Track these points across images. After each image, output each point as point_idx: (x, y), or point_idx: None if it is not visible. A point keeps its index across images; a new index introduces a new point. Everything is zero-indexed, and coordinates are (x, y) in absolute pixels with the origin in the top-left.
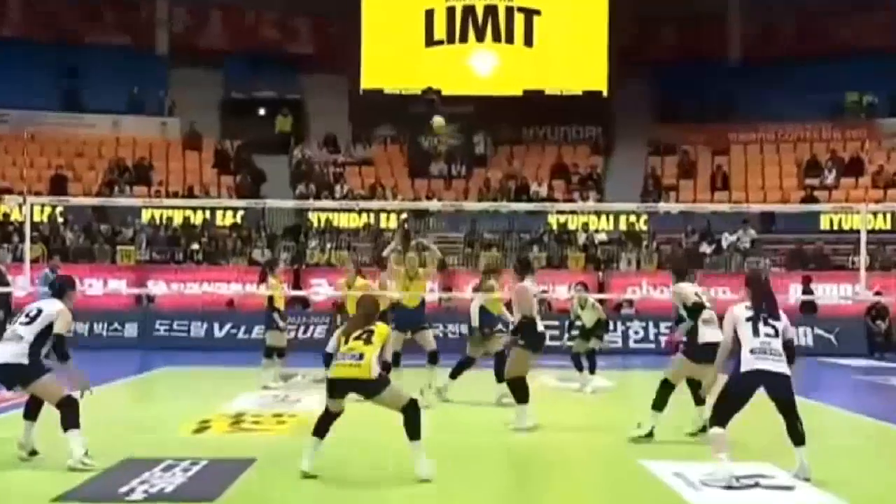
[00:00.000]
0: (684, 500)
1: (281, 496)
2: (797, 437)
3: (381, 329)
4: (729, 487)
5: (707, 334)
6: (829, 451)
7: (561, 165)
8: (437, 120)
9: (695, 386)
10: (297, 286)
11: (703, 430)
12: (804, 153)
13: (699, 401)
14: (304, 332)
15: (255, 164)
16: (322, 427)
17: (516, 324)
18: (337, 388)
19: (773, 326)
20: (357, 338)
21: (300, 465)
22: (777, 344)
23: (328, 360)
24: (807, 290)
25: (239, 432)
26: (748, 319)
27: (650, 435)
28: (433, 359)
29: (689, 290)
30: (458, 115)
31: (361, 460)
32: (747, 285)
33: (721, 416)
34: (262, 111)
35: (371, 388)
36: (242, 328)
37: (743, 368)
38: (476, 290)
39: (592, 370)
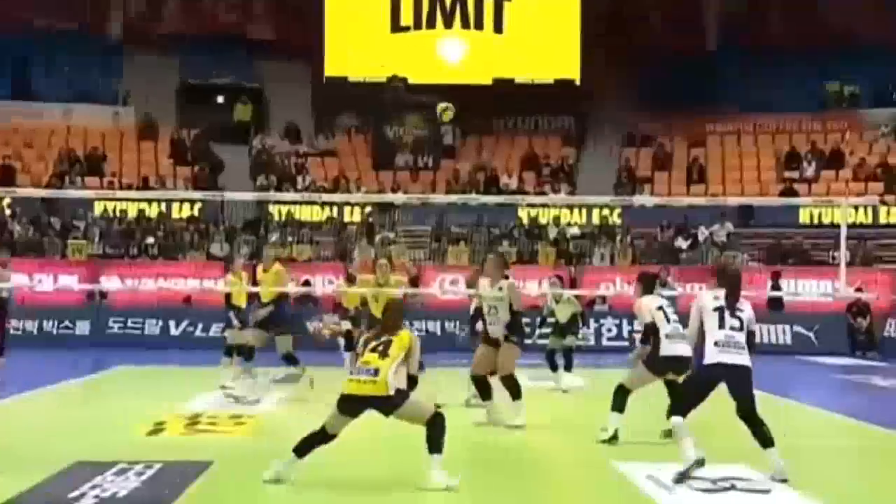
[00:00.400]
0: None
1: (239, 500)
2: (764, 439)
3: (401, 339)
4: (702, 489)
5: (669, 348)
6: (808, 452)
7: (532, 157)
8: (444, 108)
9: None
10: (256, 282)
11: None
12: (783, 145)
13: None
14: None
15: (214, 154)
16: (307, 446)
17: (511, 321)
18: (349, 406)
19: (739, 318)
20: (373, 349)
21: (263, 474)
22: (741, 337)
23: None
24: (775, 286)
25: (195, 434)
26: (715, 309)
27: (615, 437)
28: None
29: (647, 308)
30: (424, 104)
31: (327, 463)
32: (718, 276)
33: (682, 406)
34: (220, 99)
35: (389, 405)
36: (200, 326)
37: (706, 361)
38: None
39: (569, 368)
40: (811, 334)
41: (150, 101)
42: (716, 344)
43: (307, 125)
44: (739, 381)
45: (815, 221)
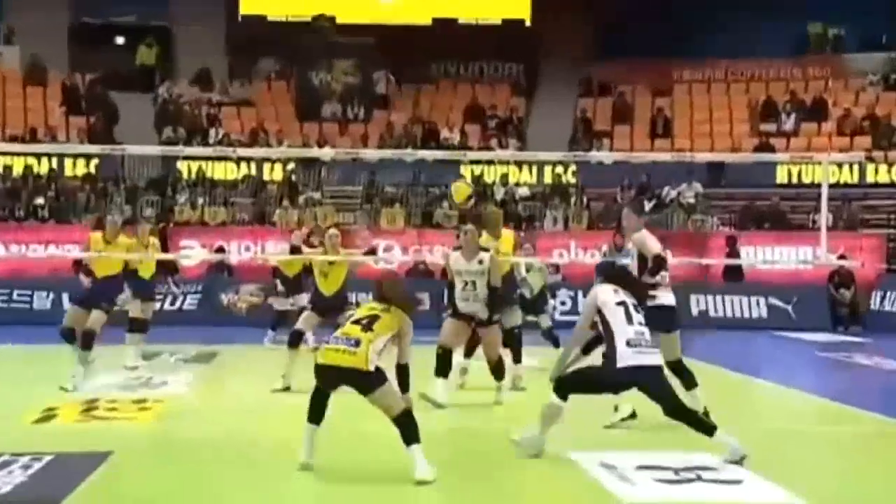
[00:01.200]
0: (616, 498)
1: (140, 495)
2: (706, 428)
3: (391, 318)
4: (665, 480)
5: (660, 296)
6: (783, 437)
7: (476, 107)
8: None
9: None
10: (163, 249)
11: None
12: (759, 94)
13: (689, 384)
14: (172, 302)
15: (112, 103)
16: (316, 410)
17: (491, 297)
18: (325, 377)
19: (642, 313)
20: (356, 322)
21: (299, 456)
22: (649, 334)
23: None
24: (732, 253)
25: (92, 421)
26: (619, 304)
27: (633, 415)
28: None
29: (653, 239)
30: (355, 47)
31: (237, 451)
32: (605, 273)
33: (570, 388)
34: (120, 40)
35: (367, 382)
36: None
37: (620, 363)
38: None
39: (557, 345)
40: (788, 307)
41: (39, 41)
42: (628, 344)
43: (220, 70)
44: (655, 384)
45: (794, 180)
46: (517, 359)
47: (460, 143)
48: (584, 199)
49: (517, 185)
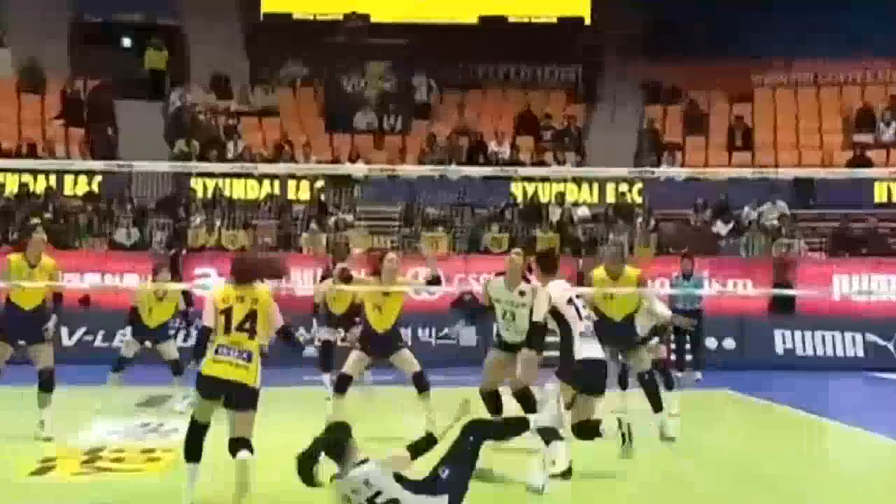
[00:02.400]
0: None
1: None
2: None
3: (263, 310)
4: None
5: (584, 349)
6: (878, 495)
7: (528, 117)
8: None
9: None
10: (173, 277)
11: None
12: (853, 100)
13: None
14: (185, 339)
15: (118, 114)
16: (193, 447)
17: (533, 329)
18: (209, 387)
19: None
20: (240, 328)
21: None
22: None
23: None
24: (781, 283)
25: (95, 473)
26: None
27: (569, 472)
28: (421, 385)
29: (556, 294)
30: (392, 49)
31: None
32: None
33: None
34: (126, 42)
35: (248, 399)
36: (101, 333)
37: None
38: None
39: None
40: (889, 344)
41: (36, 44)
42: None
43: (240, 76)
44: None
45: (895, 199)
46: (657, 407)
47: (511, 157)
48: (652, 221)
49: (575, 204)
